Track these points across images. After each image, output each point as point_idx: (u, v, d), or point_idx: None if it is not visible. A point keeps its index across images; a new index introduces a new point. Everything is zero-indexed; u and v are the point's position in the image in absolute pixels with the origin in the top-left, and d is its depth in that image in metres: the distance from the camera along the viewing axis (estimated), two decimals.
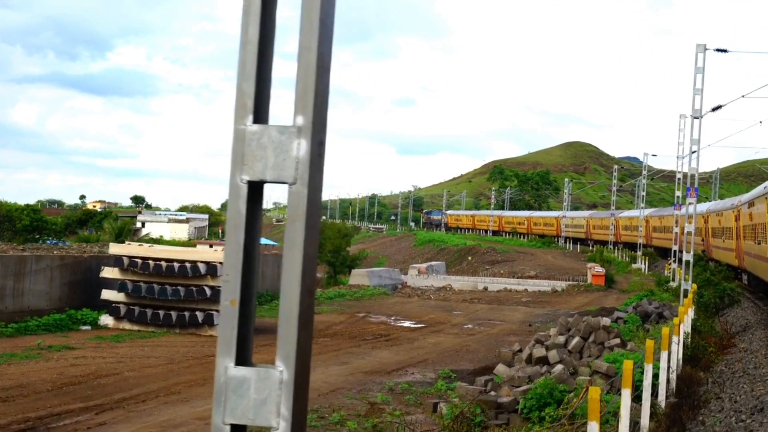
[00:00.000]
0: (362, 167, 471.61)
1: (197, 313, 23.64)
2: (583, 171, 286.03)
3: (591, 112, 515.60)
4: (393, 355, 21.81)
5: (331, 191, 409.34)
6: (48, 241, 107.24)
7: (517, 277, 73.87)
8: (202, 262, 23.65)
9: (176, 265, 23.61)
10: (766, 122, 43.42)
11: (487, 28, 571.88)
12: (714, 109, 34.13)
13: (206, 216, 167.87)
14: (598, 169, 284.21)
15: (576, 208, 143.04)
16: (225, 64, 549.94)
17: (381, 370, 19.43)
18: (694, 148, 34.60)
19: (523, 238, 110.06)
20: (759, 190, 29.93)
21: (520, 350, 23.21)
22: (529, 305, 47.32)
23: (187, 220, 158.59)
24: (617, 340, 21.76)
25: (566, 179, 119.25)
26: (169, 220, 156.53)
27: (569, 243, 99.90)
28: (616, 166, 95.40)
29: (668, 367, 16.71)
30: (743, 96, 33.46)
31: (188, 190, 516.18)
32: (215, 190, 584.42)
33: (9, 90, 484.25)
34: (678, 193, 44.27)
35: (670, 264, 48.53)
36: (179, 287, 23.63)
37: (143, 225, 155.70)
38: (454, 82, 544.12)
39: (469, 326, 29.58)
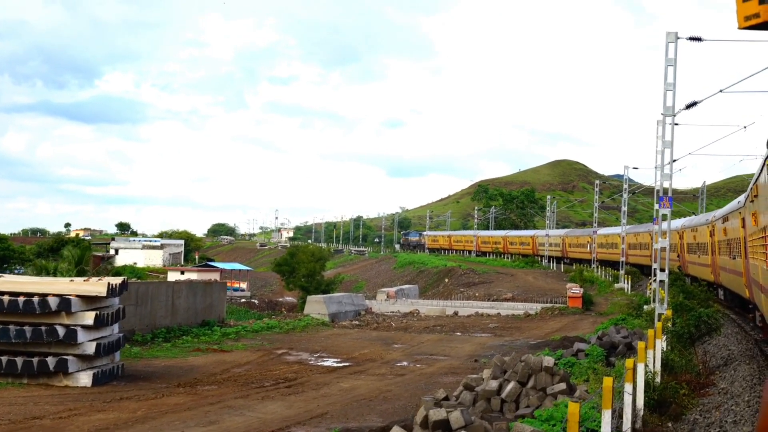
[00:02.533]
0: (353, 190, 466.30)
1: (48, 358, 19.12)
2: (571, 189, 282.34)
3: (580, 131, 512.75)
4: (284, 408, 17.34)
5: (317, 214, 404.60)
6: (16, 270, 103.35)
7: (493, 300, 69.48)
8: (53, 295, 19.15)
9: (21, 299, 19.10)
10: (751, 127, 39.16)
11: (474, 49, 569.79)
12: (689, 106, 29.92)
13: (182, 242, 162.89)
14: (587, 186, 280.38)
15: (565, 227, 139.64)
16: (213, 89, 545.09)
17: (256, 431, 14.94)
18: (668, 151, 30.35)
19: (509, 258, 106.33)
20: (733, 205, 29.19)
21: (446, 398, 18.79)
22: (495, 332, 43.11)
23: (162, 246, 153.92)
24: (562, 385, 17.33)
25: (548, 197, 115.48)
26: (143, 247, 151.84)
27: (552, 262, 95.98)
28: (597, 181, 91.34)
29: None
30: (721, 91, 29.21)
31: (178, 216, 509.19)
32: (204, 216, 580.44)
33: None
34: (657, 207, 39.83)
35: (651, 283, 44.30)
36: (26, 327, 19.13)
37: (117, 252, 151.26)
38: (442, 102, 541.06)
39: (404, 364, 25.14)
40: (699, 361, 23.44)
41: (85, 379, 19.17)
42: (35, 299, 19.00)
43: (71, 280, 20.50)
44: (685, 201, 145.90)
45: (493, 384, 17.86)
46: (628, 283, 62.89)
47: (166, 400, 17.69)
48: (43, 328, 19.04)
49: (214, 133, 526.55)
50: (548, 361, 17.90)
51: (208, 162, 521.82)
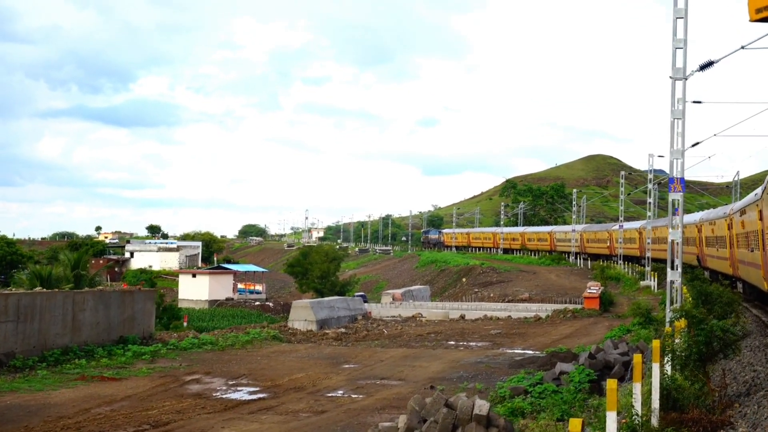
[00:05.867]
0: (388, 189, 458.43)
1: None
2: (605, 184, 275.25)
3: (615, 127, 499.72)
4: None
5: (352, 214, 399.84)
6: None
7: (508, 301, 64.11)
8: None
9: None
10: None
11: (508, 46, 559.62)
12: (703, 67, 24.39)
13: (199, 244, 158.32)
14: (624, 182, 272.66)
15: (599, 222, 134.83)
16: (247, 90, 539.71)
17: None
18: (678, 122, 24.76)
19: (536, 255, 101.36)
20: (750, 197, 28.85)
21: None
22: (495, 340, 38.02)
23: (178, 248, 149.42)
24: None
25: (574, 191, 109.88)
26: (159, 249, 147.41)
27: (579, 259, 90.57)
28: (623, 173, 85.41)
29: None
30: (743, 47, 23.59)
31: (213, 218, 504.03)
32: (239, 217, 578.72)
33: (34, 124, 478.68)
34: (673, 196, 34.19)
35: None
36: None
37: (132, 255, 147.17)
38: (476, 100, 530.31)
39: (338, 393, 19.87)
40: (713, 388, 17.85)
41: None
42: None
43: None
44: (721, 195, 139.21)
45: None
46: (654, 281, 57.25)
47: None
48: None
49: (248, 135, 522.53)
50: (482, 407, 12.47)
51: (242, 163, 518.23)
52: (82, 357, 23.73)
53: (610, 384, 11.30)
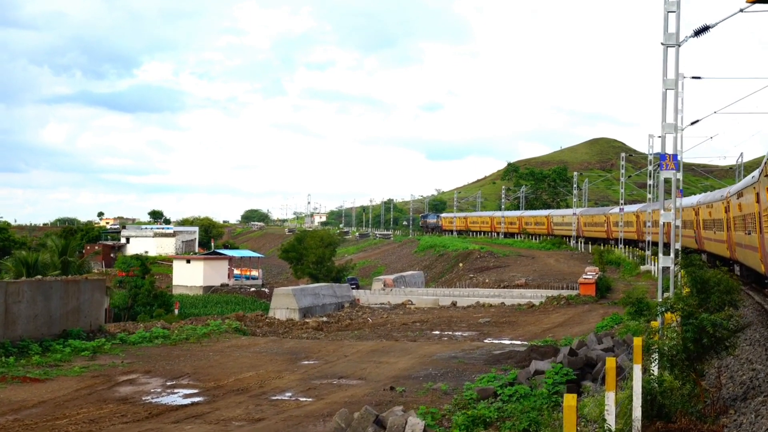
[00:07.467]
0: (392, 174, 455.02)
1: None
2: (609, 167, 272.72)
3: (619, 110, 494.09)
4: None
5: (355, 199, 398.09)
6: None
7: (503, 287, 61.98)
8: None
9: None
10: None
11: (511, 30, 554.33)
12: (697, 33, 22.12)
13: (195, 229, 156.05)
14: (627, 165, 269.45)
15: (603, 206, 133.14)
16: (251, 76, 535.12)
17: None
18: (671, 93, 22.47)
19: (536, 239, 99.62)
20: (747, 180, 28.55)
21: None
22: (483, 329, 35.99)
23: (174, 234, 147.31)
24: None
25: (575, 174, 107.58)
26: (155, 235, 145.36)
27: (579, 243, 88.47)
28: (623, 154, 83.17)
29: None
30: (741, 10, 21.26)
31: (218, 204, 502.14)
32: (244, 203, 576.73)
33: (39, 110, 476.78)
34: (665, 174, 31.72)
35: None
36: None
37: (128, 240, 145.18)
38: (480, 84, 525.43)
39: (285, 396, 17.77)
40: (706, 388, 15.58)
41: None
42: None
43: None
44: (726, 178, 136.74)
45: None
46: (654, 265, 55.08)
47: None
48: None
49: (252, 120, 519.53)
50: (414, 426, 10.31)
51: (247, 149, 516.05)
52: (13, 354, 21.61)
53: (568, 400, 9.16)
